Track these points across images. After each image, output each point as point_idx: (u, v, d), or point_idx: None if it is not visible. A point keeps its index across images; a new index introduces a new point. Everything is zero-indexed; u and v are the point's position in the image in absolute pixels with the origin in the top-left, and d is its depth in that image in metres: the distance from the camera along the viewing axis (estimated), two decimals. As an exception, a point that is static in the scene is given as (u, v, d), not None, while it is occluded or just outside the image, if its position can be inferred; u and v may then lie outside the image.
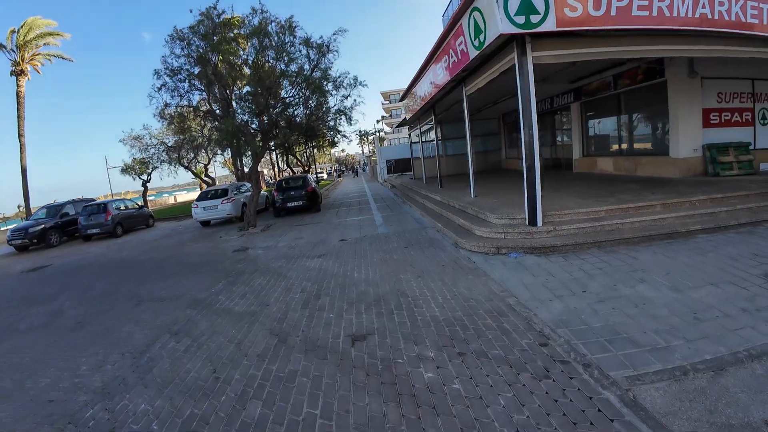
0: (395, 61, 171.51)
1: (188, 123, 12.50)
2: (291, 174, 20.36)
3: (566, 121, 15.22)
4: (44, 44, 24.28)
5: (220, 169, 53.58)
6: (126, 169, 38.18)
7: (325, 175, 51.32)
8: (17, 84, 22.73)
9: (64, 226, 16.64)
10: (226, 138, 11.87)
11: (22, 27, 22.90)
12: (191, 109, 11.95)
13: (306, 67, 12.66)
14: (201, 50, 10.98)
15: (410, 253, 6.83)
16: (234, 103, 13.06)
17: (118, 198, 23.63)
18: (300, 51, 12.43)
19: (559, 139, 16.42)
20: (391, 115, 79.24)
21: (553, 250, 5.98)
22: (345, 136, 17.49)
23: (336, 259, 6.98)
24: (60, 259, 11.66)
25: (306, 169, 21.58)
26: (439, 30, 10.77)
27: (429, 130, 21.64)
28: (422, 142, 17.61)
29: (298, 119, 14.19)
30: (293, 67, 12.46)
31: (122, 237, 15.86)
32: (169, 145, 27.48)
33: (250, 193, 16.68)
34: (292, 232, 10.87)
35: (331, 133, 15.98)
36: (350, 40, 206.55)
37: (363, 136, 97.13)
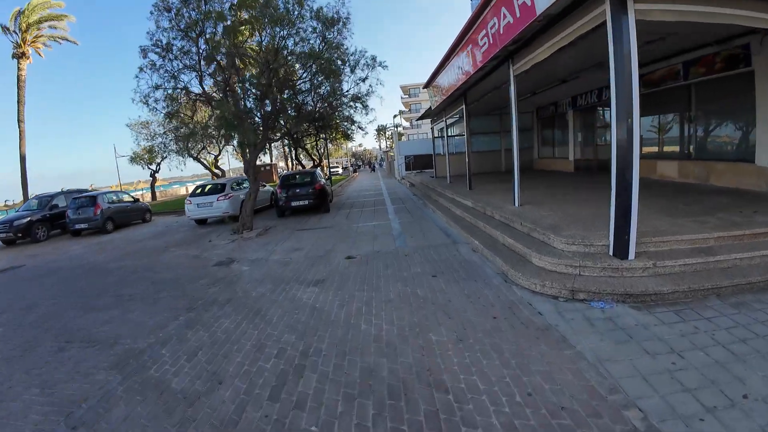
0: (415, 54, 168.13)
1: (179, 108, 10.71)
2: (300, 168, 18.50)
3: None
4: (49, 26, 23.04)
5: (234, 161, 52.41)
6: (135, 159, 37.36)
7: (340, 170, 49.56)
8: (18, 67, 21.53)
9: (53, 219, 15.29)
10: (223, 126, 10.13)
11: (27, 8, 21.67)
12: (183, 91, 10.20)
13: (316, 44, 10.80)
14: (195, 18, 9.17)
15: (441, 286, 4.90)
16: (237, 87, 11.32)
17: (111, 190, 22.30)
18: (310, 26, 10.59)
19: (604, 137, 14.20)
20: (410, 110, 76.99)
21: (658, 299, 3.98)
22: (361, 127, 15.64)
23: (338, 291, 5.10)
24: (37, 259, 10.23)
25: (317, 163, 19.67)
26: (463, 21, 8.76)
27: (455, 122, 19.58)
28: (447, 136, 15.58)
29: (309, 107, 12.37)
30: (302, 47, 10.65)
31: (113, 233, 14.41)
32: (176, 133, 25.95)
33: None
34: (292, 240, 9.05)
35: (346, 123, 14.06)
36: (369, 34, 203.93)
37: (380, 131, 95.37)
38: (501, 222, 6.97)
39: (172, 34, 9.63)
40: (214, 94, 11.18)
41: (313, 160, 19.99)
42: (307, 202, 12.58)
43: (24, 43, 21.55)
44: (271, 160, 50.43)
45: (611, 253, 4.69)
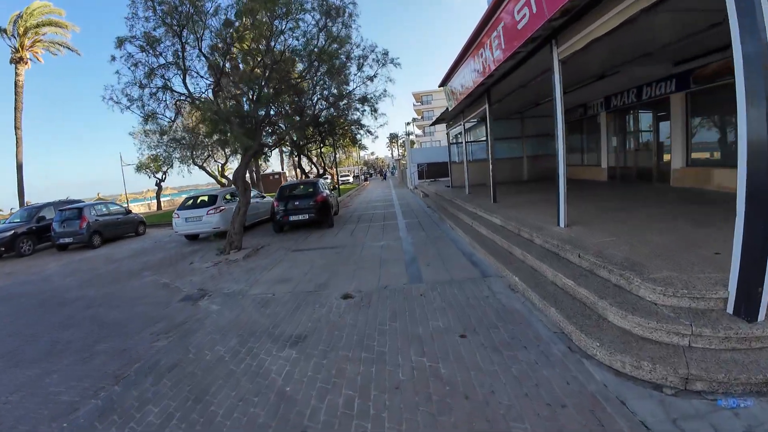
0: (427, 61, 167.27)
1: (159, 110, 9.37)
2: (303, 178, 17.01)
3: (662, 117, 11.31)
4: (49, 31, 22.32)
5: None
6: (140, 167, 36.63)
7: (351, 179, 48.26)
8: (16, 72, 20.79)
9: (40, 231, 14.19)
10: (209, 128, 8.81)
11: (25, 11, 20.99)
12: (164, 91, 8.86)
13: (318, 38, 9.40)
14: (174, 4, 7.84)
15: (475, 357, 3.30)
16: (230, 86, 10.01)
17: (99, 200, 21.32)
18: (311, 17, 9.21)
19: (642, 142, 12.47)
20: (422, 118, 75.67)
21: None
22: (369, 131, 14.21)
23: (322, 359, 3.54)
24: (7, 279, 9.11)
25: (322, 172, 18.11)
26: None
27: (474, 127, 18.03)
28: (466, 142, 14.02)
29: (311, 110, 10.98)
30: (301, 42, 9.29)
31: (100, 248, 13.22)
32: (182, 141, 24.84)
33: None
34: (283, 265, 7.57)
35: (354, 127, 12.62)
36: (381, 40, 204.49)
37: (393, 138, 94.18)
38: (546, 249, 5.37)
39: (151, 23, 8.33)
40: (203, 95, 9.85)
41: (317, 168, 18.48)
42: (307, 216, 11.13)
43: (22, 48, 20.83)
44: (282, 168, 49.22)
45: (730, 310, 3.08)
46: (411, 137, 77.27)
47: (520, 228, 6.44)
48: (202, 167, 31.44)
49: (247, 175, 31.31)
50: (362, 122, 12.79)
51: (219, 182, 33.83)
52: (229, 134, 8.71)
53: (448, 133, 16.73)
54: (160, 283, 7.19)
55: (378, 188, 32.74)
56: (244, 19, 8.58)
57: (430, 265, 6.35)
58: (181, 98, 9.00)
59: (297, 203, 11.27)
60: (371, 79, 10.32)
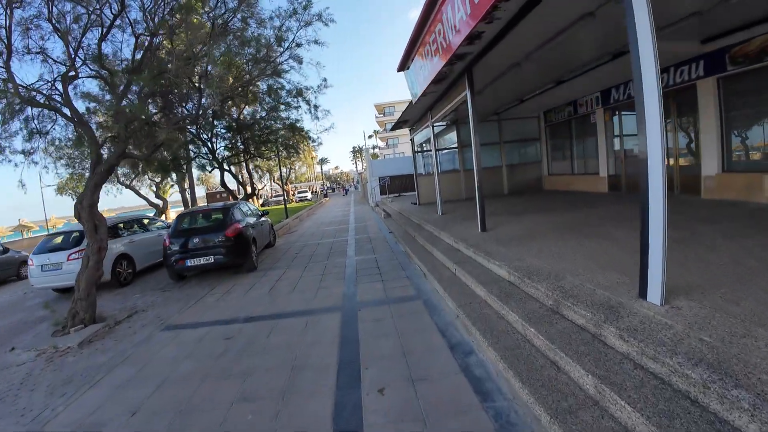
0: (391, 73, 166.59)
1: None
2: (229, 199, 13.07)
3: (685, 109, 8.76)
4: None
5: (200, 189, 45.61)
6: (61, 188, 31.55)
7: (309, 195, 44.40)
8: None
9: None
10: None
11: None
12: None
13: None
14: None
15: None
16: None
17: None
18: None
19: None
20: (385, 129, 73.21)
21: None
22: (310, 137, 10.93)
23: None
24: None
25: (250, 192, 14.18)
26: None
27: (444, 131, 15.10)
28: (436, 149, 10.95)
29: (211, 107, 7.57)
30: None
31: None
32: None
33: (142, 236, 9.93)
34: (118, 373, 4.06)
35: (283, 132, 9.27)
36: (342, 53, 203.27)
37: (356, 152, 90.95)
38: (665, 384, 2.20)
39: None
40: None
41: (244, 187, 14.61)
42: (212, 258, 7.59)
43: None
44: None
45: None
46: (375, 150, 74.66)
47: (561, 301, 3.29)
48: (129, 186, 26.97)
49: (191, 191, 27.13)
50: (299, 125, 9.54)
51: (149, 203, 29.32)
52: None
53: (412, 140, 13.70)
54: None
55: (336, 206, 29.28)
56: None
57: (386, 391, 3.05)
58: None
59: (198, 240, 7.73)
60: (299, 45, 7.02)
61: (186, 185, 22.49)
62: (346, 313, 4.93)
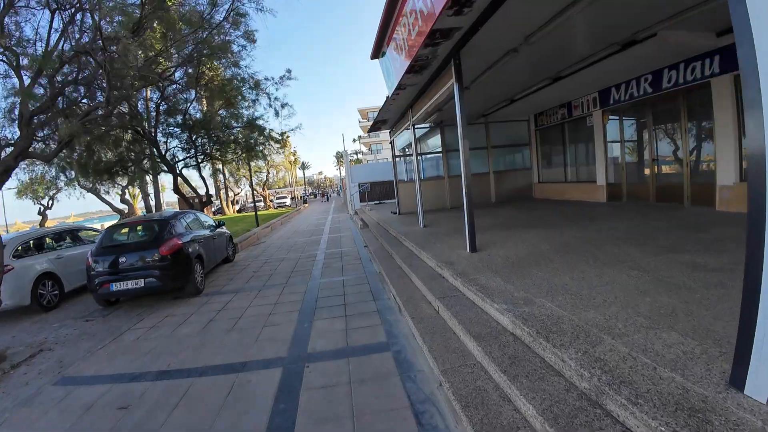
0: (376, 78, 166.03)
1: None
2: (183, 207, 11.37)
3: (701, 108, 7.79)
4: None
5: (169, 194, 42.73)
6: (22, 191, 29.34)
7: (288, 201, 42.68)
8: None
9: None
10: None
11: None
12: None
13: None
14: None
15: None
16: None
17: None
18: None
19: (658, 148, 8.91)
20: (369, 135, 71.96)
21: None
22: (271, 136, 9.60)
23: None
24: None
25: (203, 199, 12.43)
26: None
27: (427, 135, 13.95)
28: (417, 153, 9.72)
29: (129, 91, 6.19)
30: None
31: None
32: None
33: (73, 252, 8.34)
34: None
35: (239, 130, 7.93)
36: (330, 59, 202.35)
37: (340, 157, 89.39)
38: None
39: None
40: None
41: (200, 198, 12.85)
42: (142, 283, 6.15)
43: None
44: (221, 188, 41.22)
45: None
46: (358, 156, 73.32)
47: (605, 390, 2.05)
48: (91, 190, 24.96)
49: (155, 196, 25.16)
50: (260, 124, 8.22)
51: (113, 208, 27.36)
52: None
53: (392, 142, 12.48)
54: None
55: (314, 213, 27.84)
56: None
57: None
58: None
59: (125, 259, 6.28)
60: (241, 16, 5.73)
61: (151, 189, 20.73)
62: (288, 371, 3.60)
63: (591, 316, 2.84)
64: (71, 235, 9.03)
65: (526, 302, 3.26)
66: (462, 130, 5.30)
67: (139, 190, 26.90)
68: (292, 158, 50.68)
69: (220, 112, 9.41)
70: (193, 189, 11.45)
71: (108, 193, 25.24)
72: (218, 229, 9.02)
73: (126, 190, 29.16)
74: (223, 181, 35.96)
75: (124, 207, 27.84)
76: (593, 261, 4.37)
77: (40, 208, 29.35)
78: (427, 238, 7.20)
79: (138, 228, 7.13)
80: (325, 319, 4.86)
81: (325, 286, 6.48)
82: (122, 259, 6.26)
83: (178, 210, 8.41)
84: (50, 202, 29.71)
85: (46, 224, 28.77)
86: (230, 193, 41.89)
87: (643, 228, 6.01)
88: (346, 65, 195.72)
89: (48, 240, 8.38)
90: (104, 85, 5.49)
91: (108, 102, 5.51)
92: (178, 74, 8.36)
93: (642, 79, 8.60)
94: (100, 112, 5.66)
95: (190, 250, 6.83)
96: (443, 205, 12.83)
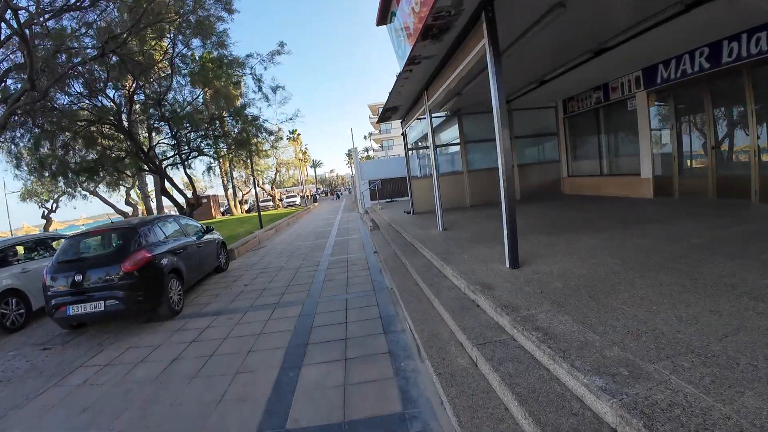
0: (388, 77, 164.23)
1: None
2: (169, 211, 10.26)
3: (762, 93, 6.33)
4: None
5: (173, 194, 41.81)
6: (26, 195, 29.05)
7: (298, 200, 41.62)
8: None
9: None
10: None
11: None
12: None
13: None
14: None
15: None
16: None
17: None
18: None
19: (718, 135, 7.44)
20: (380, 131, 70.57)
21: None
22: (265, 128, 8.51)
23: None
24: None
25: (193, 203, 11.34)
26: None
27: (444, 124, 12.59)
28: (435, 145, 8.40)
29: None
30: None
31: None
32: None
33: (45, 264, 7.24)
34: None
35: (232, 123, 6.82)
36: (347, 58, 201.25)
37: (350, 155, 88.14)
38: None
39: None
40: None
41: (185, 195, 11.82)
42: (102, 306, 5.04)
43: None
44: (229, 188, 39.87)
45: None
46: (369, 153, 72.03)
47: None
48: (93, 192, 24.26)
49: (153, 204, 24.31)
50: (252, 114, 7.10)
51: (116, 210, 26.73)
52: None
53: (404, 133, 11.18)
54: None
55: (324, 212, 26.72)
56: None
57: None
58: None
59: (83, 277, 5.17)
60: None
61: (150, 190, 19.86)
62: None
63: (752, 405, 1.56)
64: (45, 246, 8.03)
65: (632, 371, 1.98)
66: (499, 111, 4.02)
67: (139, 191, 26.18)
68: (301, 156, 49.69)
69: (199, 99, 8.32)
70: (180, 191, 10.41)
71: (111, 194, 24.56)
72: (207, 236, 7.89)
73: (131, 192, 28.52)
74: (230, 180, 35.12)
75: (128, 209, 27.15)
76: (692, 286, 3.06)
77: (44, 212, 28.92)
78: (450, 245, 5.92)
79: (101, 239, 6.01)
80: (317, 364, 3.63)
81: (324, 309, 5.25)
82: (78, 278, 5.15)
83: (154, 216, 7.29)
84: (54, 205, 29.29)
85: (49, 228, 28.30)
86: (239, 193, 41.00)
87: (723, 232, 4.64)
88: (362, 61, 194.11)
89: (15, 251, 7.40)
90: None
91: (32, 84, 4.36)
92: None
93: (697, 53, 7.16)
94: (22, 99, 4.59)
95: (163, 263, 5.69)
96: (462, 204, 11.51)
